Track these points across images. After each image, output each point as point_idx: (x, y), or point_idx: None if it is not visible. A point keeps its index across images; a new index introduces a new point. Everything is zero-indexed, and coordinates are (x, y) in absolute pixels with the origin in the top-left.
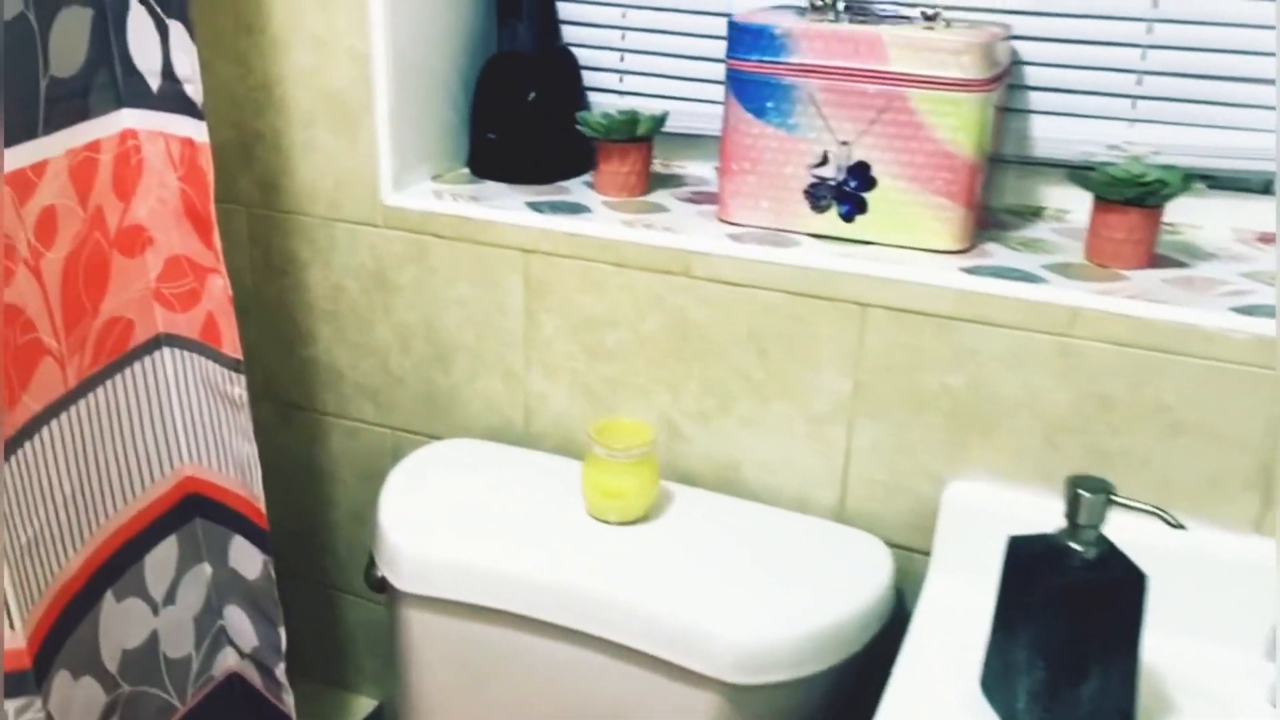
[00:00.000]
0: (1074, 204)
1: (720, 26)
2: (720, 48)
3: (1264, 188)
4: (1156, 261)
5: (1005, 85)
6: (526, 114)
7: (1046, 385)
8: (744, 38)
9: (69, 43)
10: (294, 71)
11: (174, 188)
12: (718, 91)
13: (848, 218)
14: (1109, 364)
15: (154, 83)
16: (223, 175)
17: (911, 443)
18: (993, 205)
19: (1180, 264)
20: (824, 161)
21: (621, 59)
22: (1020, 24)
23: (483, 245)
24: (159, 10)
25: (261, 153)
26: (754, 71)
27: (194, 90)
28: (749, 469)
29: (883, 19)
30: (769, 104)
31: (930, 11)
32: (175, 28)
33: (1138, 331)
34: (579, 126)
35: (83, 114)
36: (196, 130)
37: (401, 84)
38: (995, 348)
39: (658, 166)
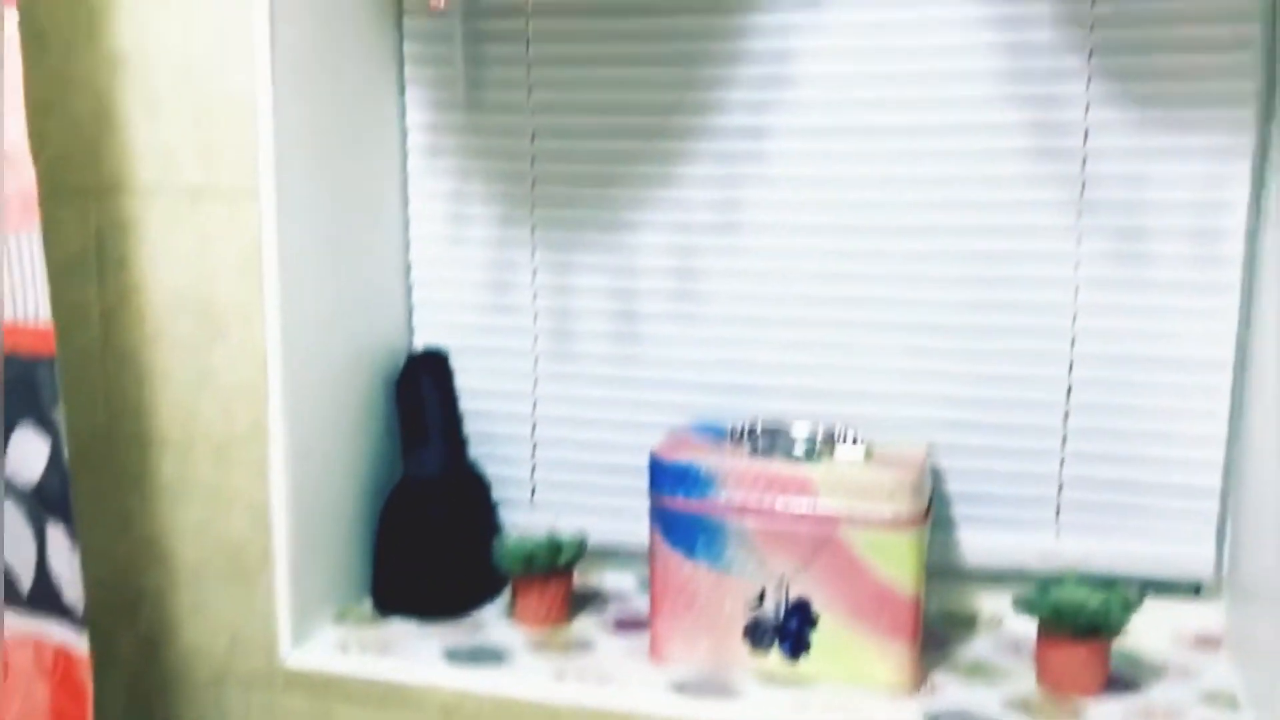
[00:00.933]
0: (1005, 607)
1: (634, 435)
2: (636, 459)
3: (1194, 590)
4: (1110, 683)
5: (934, 507)
6: (433, 543)
7: None
8: (668, 475)
9: None
10: (184, 526)
11: (44, 701)
12: (635, 503)
13: (792, 656)
14: None
15: (25, 584)
16: (99, 637)
17: None
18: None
19: (1134, 685)
20: (762, 599)
21: (533, 471)
22: (938, 437)
23: (397, 708)
24: (38, 507)
25: (145, 612)
26: (681, 511)
27: (73, 595)
28: None
29: (800, 443)
30: (699, 540)
31: (852, 435)
32: (54, 526)
33: None
34: (496, 562)
35: None
36: (74, 639)
37: (302, 531)
38: None
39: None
